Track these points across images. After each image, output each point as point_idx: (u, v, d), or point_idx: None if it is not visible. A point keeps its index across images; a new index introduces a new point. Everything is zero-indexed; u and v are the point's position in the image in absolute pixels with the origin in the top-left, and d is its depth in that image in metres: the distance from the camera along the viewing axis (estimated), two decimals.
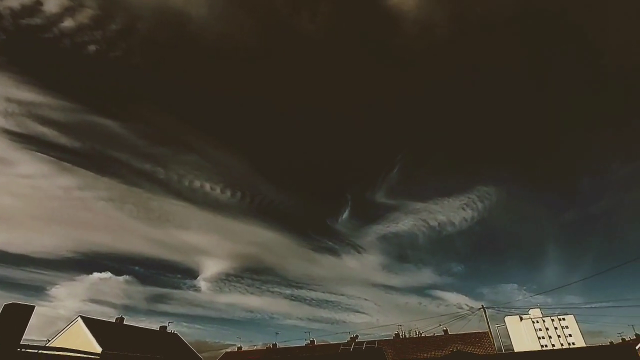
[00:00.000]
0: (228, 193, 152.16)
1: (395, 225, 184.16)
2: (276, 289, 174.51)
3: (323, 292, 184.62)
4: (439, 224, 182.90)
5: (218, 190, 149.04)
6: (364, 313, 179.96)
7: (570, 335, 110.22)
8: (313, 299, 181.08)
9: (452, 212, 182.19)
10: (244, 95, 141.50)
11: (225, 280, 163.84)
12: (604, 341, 75.26)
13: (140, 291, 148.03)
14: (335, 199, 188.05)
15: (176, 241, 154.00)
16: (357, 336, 42.71)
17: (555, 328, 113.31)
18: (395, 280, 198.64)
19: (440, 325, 42.95)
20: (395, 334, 42.38)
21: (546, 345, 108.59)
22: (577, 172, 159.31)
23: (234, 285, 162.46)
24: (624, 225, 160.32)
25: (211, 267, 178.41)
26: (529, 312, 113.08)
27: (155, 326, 38.74)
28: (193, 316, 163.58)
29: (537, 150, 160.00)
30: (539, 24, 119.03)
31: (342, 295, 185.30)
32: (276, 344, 46.27)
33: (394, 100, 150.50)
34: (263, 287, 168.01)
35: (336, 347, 38.79)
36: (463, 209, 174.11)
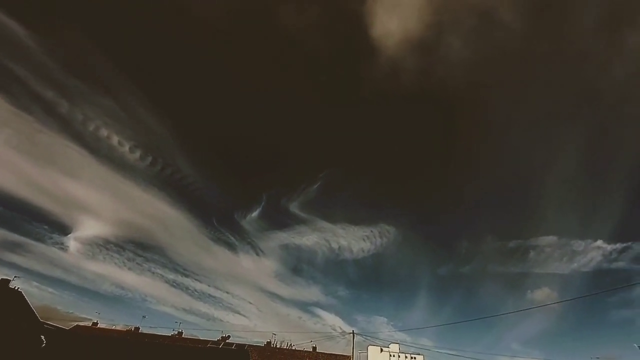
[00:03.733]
0: (137, 154, 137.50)
1: (300, 238, 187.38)
2: (159, 271, 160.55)
3: (208, 286, 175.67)
4: (339, 247, 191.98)
5: (127, 148, 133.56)
6: (243, 315, 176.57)
7: None
8: (196, 290, 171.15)
9: (354, 240, 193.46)
10: (191, 57, 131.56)
11: (102, 246, 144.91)
12: None
13: None
14: (251, 195, 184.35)
15: (56, 188, 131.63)
16: (229, 336, 41.83)
17: None
18: (284, 290, 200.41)
19: (311, 341, 44.80)
20: (267, 342, 42.68)
21: None
22: (459, 236, 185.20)
23: (111, 255, 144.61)
24: (480, 289, 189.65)
25: (89, 228, 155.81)
26: (389, 346, 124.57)
27: None
28: (49, 277, 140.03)
29: (435, 208, 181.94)
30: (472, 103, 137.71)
31: (227, 292, 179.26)
32: (139, 328, 42.56)
33: (340, 119, 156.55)
34: (145, 264, 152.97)
35: (204, 343, 37.35)
36: (364, 239, 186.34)
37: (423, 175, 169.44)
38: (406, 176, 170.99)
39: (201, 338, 43.69)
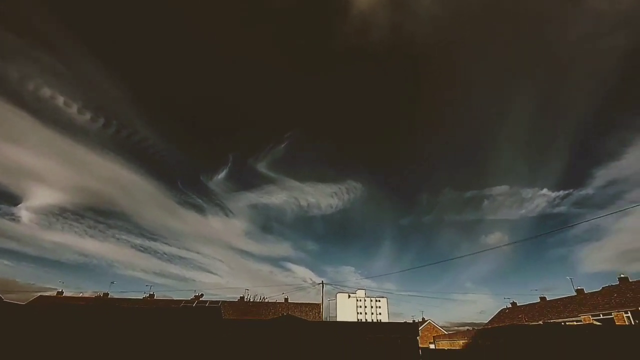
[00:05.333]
0: (88, 115, 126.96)
1: (268, 197, 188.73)
2: (124, 237, 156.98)
3: (178, 248, 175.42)
4: (308, 204, 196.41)
5: (74, 109, 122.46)
6: (215, 274, 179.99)
7: (380, 314, 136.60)
8: (165, 253, 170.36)
9: (322, 197, 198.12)
10: (148, 9, 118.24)
11: (59, 215, 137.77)
12: (401, 320, 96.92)
13: None
14: (216, 156, 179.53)
15: None
16: (202, 295, 42.72)
17: (372, 307, 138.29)
18: (254, 247, 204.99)
19: (283, 293, 47.06)
20: (241, 297, 44.20)
21: (360, 319, 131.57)
22: (420, 189, 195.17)
23: (70, 224, 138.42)
24: (437, 237, 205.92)
25: (41, 197, 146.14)
26: (356, 292, 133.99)
27: None
28: (2, 249, 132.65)
29: (399, 163, 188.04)
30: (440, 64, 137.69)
31: (197, 253, 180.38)
32: (108, 294, 42.19)
33: (306, 77, 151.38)
34: (108, 231, 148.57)
35: (178, 303, 37.96)
36: (332, 196, 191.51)
37: (388, 132, 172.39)
38: (372, 133, 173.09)
39: (175, 298, 44.36)
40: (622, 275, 32.28)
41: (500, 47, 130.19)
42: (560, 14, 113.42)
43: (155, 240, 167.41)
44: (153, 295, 42.70)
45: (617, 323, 27.75)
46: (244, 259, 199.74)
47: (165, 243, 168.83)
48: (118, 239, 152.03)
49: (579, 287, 37.34)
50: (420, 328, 51.11)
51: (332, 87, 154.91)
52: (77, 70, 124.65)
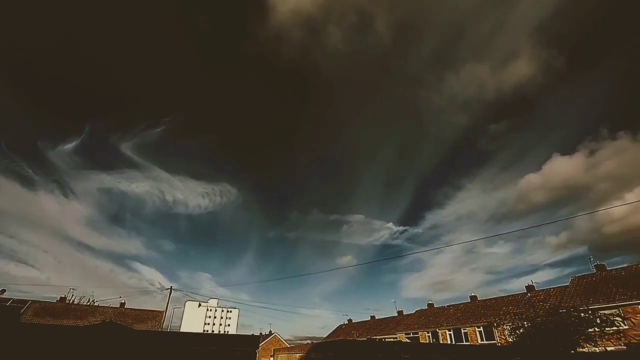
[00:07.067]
0: None
1: (128, 184, 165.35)
2: None
3: None
4: (174, 200, 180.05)
5: None
6: (32, 266, 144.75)
7: (229, 325, 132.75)
8: None
9: (193, 195, 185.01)
10: None
11: None
12: (250, 332, 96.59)
13: None
14: (67, 121, 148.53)
15: None
16: (3, 291, 33.65)
17: (222, 317, 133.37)
18: (96, 240, 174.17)
19: (121, 297, 41.12)
20: (62, 297, 36.74)
21: (207, 330, 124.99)
22: (292, 205, 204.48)
23: None
24: (298, 252, 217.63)
25: None
26: (208, 301, 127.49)
27: None
28: None
29: (275, 177, 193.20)
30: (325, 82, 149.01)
31: (11, 237, 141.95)
32: None
33: (204, 63, 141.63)
34: None
35: None
36: (203, 196, 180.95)
37: (271, 144, 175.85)
38: (256, 140, 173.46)
39: None
40: (430, 302, 40.27)
41: (382, 96, 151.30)
42: (429, 83, 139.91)
43: None
44: None
45: (421, 340, 34.25)
46: (79, 252, 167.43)
47: None
48: None
49: (400, 309, 44.83)
50: (265, 341, 51.93)
51: (230, 83, 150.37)
52: None
